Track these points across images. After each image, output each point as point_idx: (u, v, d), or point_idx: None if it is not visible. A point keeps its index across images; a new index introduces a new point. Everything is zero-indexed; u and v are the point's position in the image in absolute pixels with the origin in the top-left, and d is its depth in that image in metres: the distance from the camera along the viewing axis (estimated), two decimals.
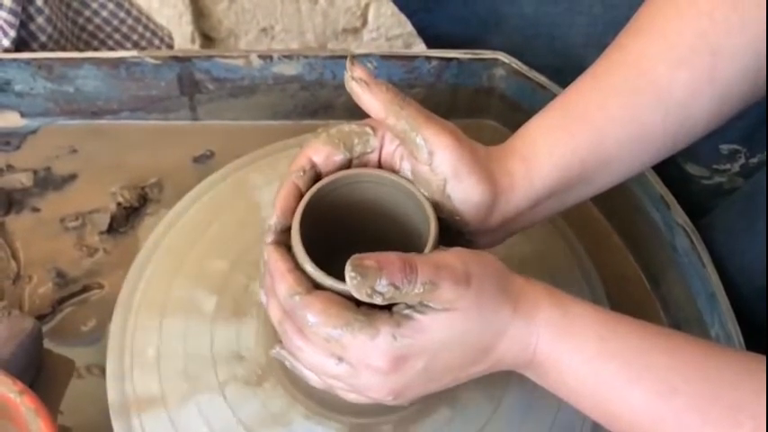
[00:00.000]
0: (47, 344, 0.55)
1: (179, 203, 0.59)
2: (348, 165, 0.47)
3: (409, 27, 0.79)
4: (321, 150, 0.46)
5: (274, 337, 0.49)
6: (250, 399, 0.50)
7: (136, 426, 0.49)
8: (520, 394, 0.50)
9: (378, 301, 0.39)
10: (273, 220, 0.45)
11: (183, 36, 1.32)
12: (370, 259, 0.39)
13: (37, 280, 0.58)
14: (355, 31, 1.38)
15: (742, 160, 0.65)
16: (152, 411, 0.49)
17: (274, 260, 0.43)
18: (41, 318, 0.56)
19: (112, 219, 0.62)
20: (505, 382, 0.50)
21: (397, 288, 0.39)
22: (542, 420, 0.50)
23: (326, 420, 0.49)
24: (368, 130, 0.46)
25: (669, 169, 0.62)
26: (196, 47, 1.35)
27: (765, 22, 0.44)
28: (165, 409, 0.49)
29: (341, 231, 0.47)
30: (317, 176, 0.46)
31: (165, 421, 0.49)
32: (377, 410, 0.48)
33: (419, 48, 1.08)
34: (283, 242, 0.45)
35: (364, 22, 1.37)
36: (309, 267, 0.42)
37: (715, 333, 0.54)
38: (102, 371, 0.53)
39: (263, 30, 1.36)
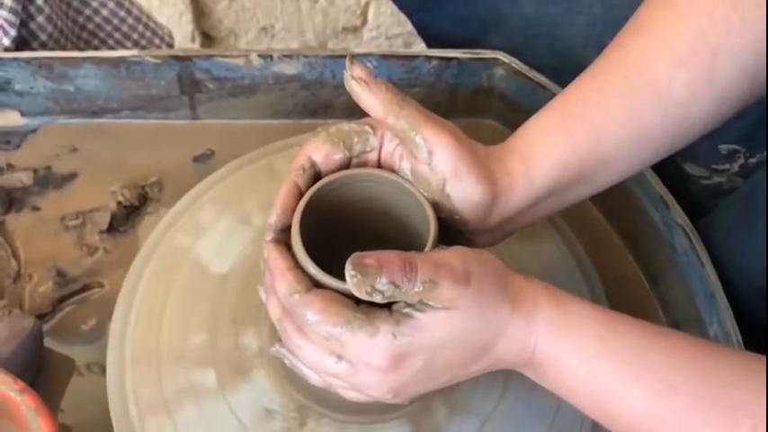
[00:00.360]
0: (47, 343, 0.55)
1: (179, 202, 0.59)
2: (347, 163, 0.47)
3: (409, 26, 0.79)
4: (321, 149, 0.46)
5: (284, 368, 0.48)
6: None
7: None
8: (520, 392, 0.50)
9: (377, 299, 0.39)
10: (273, 218, 0.45)
11: (183, 35, 1.32)
12: (370, 258, 0.39)
13: (37, 279, 0.59)
14: (355, 30, 1.38)
15: (741, 160, 0.65)
16: None
17: (274, 258, 0.43)
18: (42, 317, 0.56)
19: (113, 218, 0.62)
20: (506, 380, 0.50)
21: (396, 286, 0.39)
22: (542, 417, 0.50)
23: (385, 424, 0.48)
24: (367, 128, 0.46)
25: (668, 169, 0.62)
26: (196, 46, 1.35)
27: (765, 22, 0.44)
28: None
29: (341, 231, 0.47)
30: (317, 175, 0.46)
31: None
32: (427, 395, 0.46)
33: (419, 47, 1.08)
34: (283, 241, 0.45)
35: (364, 21, 1.37)
36: (309, 267, 0.42)
37: (714, 333, 0.54)
38: (102, 369, 0.53)
39: (264, 28, 1.36)
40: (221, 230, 0.57)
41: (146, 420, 0.49)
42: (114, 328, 0.53)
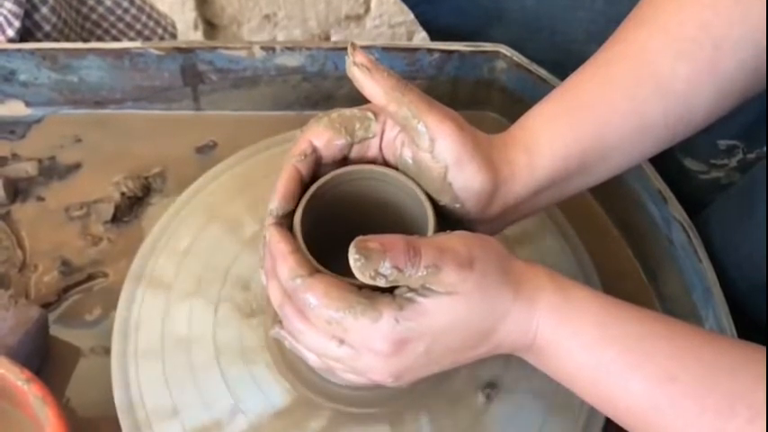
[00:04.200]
0: (52, 331, 0.55)
1: (182, 194, 0.60)
2: (349, 149, 0.46)
3: (412, 15, 0.79)
4: (322, 134, 0.46)
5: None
6: None
7: None
8: (521, 373, 0.51)
9: (381, 283, 0.39)
10: (274, 204, 0.44)
11: (185, 22, 1.32)
12: (374, 241, 0.39)
13: (42, 269, 0.59)
14: (358, 19, 1.38)
15: (740, 155, 0.65)
16: None
17: (276, 241, 0.43)
18: (47, 306, 0.57)
19: (116, 208, 0.62)
20: (507, 358, 0.50)
21: (400, 271, 0.39)
22: (542, 398, 0.50)
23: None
24: (369, 114, 0.46)
25: (667, 164, 0.62)
26: (199, 33, 1.35)
27: (766, 15, 0.44)
28: None
29: (340, 229, 0.47)
30: (318, 161, 0.46)
31: None
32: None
33: (422, 36, 1.08)
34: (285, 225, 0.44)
35: (367, 10, 1.37)
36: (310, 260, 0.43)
37: (709, 327, 0.54)
38: (106, 351, 0.53)
39: (266, 16, 1.36)
40: (225, 222, 0.58)
41: (147, 403, 0.50)
42: (119, 314, 0.54)
